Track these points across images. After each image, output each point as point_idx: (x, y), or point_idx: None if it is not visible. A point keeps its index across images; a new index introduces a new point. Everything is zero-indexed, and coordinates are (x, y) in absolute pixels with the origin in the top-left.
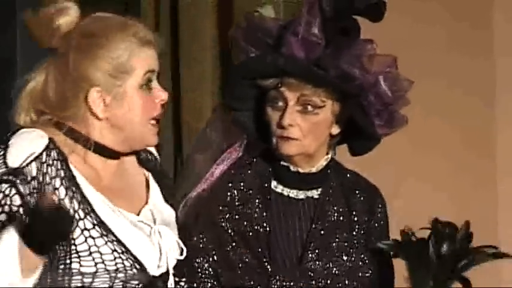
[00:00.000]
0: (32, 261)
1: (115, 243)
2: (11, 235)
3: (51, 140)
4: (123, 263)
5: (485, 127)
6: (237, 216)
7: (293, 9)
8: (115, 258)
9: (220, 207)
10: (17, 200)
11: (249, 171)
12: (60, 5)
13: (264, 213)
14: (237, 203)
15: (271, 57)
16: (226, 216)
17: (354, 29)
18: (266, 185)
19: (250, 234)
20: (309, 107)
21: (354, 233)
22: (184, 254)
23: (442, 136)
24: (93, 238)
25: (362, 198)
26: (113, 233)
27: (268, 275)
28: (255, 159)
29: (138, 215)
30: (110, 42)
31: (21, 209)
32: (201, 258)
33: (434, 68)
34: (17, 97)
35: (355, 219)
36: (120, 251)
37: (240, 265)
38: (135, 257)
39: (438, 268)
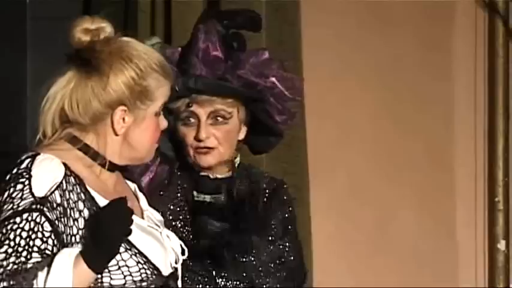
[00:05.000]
0: (83, 282)
1: (138, 255)
2: (64, 258)
3: (66, 166)
4: (145, 273)
5: (445, 141)
6: (171, 229)
7: (275, 8)
8: (139, 269)
9: None
10: (47, 227)
11: (171, 188)
12: (98, 24)
13: (195, 223)
14: (169, 219)
15: (181, 81)
16: None
17: (243, 42)
18: (189, 197)
19: (186, 244)
20: (219, 119)
21: (272, 223)
22: (186, 254)
23: (408, 149)
24: (120, 253)
25: (270, 191)
26: (134, 246)
27: (213, 276)
28: (174, 176)
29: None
30: (145, 70)
31: (52, 235)
32: None
33: (403, 89)
34: (36, 109)
35: (269, 210)
36: (142, 261)
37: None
38: (154, 265)
39: None
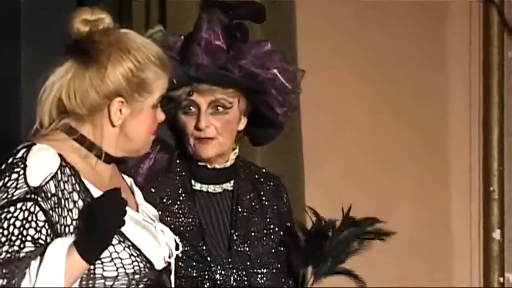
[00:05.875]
0: (75, 272)
1: (131, 248)
2: (57, 248)
3: (61, 157)
4: (138, 265)
5: (440, 132)
6: (167, 213)
7: (269, 14)
8: (132, 262)
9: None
10: (41, 216)
11: (170, 175)
12: (97, 15)
13: (191, 209)
14: (167, 204)
15: (183, 69)
16: (160, 216)
17: (245, 33)
18: (187, 184)
19: (182, 229)
20: (220, 108)
21: (267, 216)
22: (180, 249)
23: (403, 140)
24: (113, 245)
25: (268, 186)
26: (128, 239)
27: (208, 263)
28: (173, 164)
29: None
30: (144, 62)
31: (46, 224)
32: None
33: (398, 80)
34: (31, 102)
35: (266, 203)
36: (135, 254)
37: (180, 255)
38: (147, 258)
39: (318, 259)
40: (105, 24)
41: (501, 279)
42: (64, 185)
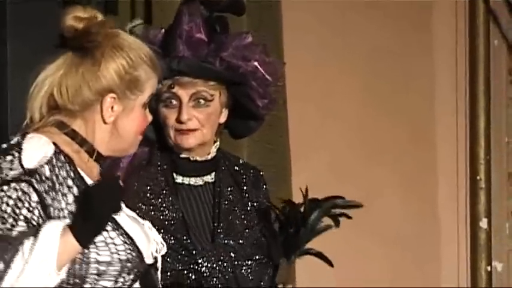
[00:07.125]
0: (68, 253)
1: (124, 235)
2: (52, 228)
3: (55, 145)
4: (131, 254)
5: (426, 121)
6: (151, 207)
7: (255, 8)
8: (126, 249)
9: (137, 204)
10: (34, 197)
11: (152, 169)
12: (90, 13)
13: (174, 203)
14: (150, 198)
15: (164, 62)
16: (144, 210)
17: (225, 26)
18: (169, 178)
19: (166, 222)
20: (201, 101)
21: (248, 207)
22: (165, 249)
23: (390, 129)
24: (107, 231)
25: (247, 177)
26: (121, 227)
27: (193, 256)
28: (154, 157)
29: None
30: (136, 60)
31: (39, 206)
32: None
33: (384, 69)
34: (17, 95)
35: (246, 195)
36: (128, 242)
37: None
38: (138, 249)
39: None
40: (98, 20)
41: (488, 268)
42: (59, 171)
